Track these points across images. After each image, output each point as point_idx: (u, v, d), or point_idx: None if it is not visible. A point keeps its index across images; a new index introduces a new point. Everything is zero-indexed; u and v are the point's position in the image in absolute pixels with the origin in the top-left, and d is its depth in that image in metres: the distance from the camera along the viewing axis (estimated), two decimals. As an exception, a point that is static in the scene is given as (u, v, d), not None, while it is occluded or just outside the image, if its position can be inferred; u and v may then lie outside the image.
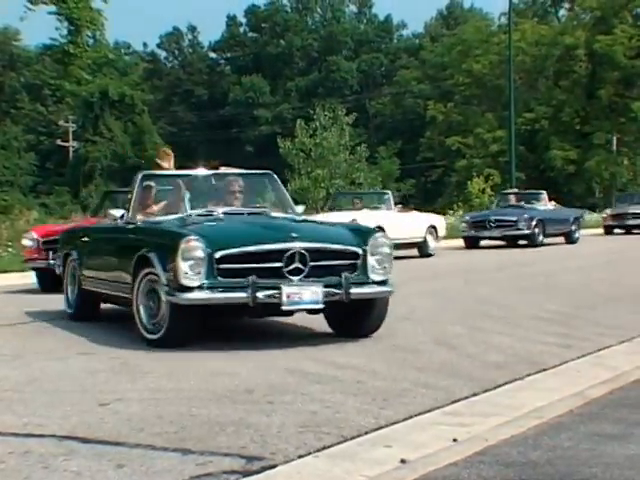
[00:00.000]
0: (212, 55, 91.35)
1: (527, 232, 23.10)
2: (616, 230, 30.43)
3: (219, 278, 6.72)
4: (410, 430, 4.36)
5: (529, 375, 5.70)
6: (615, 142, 56.43)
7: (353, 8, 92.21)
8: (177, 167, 11.67)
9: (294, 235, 6.95)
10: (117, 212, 8.48)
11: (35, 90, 70.16)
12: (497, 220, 23.53)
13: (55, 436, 4.26)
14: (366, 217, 17.18)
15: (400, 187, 61.95)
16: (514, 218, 23.27)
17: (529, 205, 24.84)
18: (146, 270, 7.11)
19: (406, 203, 28.94)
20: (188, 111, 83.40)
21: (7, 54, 75.42)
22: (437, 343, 7.08)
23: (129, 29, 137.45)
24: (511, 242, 23.64)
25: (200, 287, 6.68)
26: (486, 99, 61.73)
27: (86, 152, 59.35)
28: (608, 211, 32.33)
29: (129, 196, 8.53)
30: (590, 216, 35.08)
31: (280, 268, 6.78)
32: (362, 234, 7.37)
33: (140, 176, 8.52)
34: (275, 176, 8.88)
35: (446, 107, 62.37)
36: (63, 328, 8.57)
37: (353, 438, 4.19)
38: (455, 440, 4.14)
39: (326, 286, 6.84)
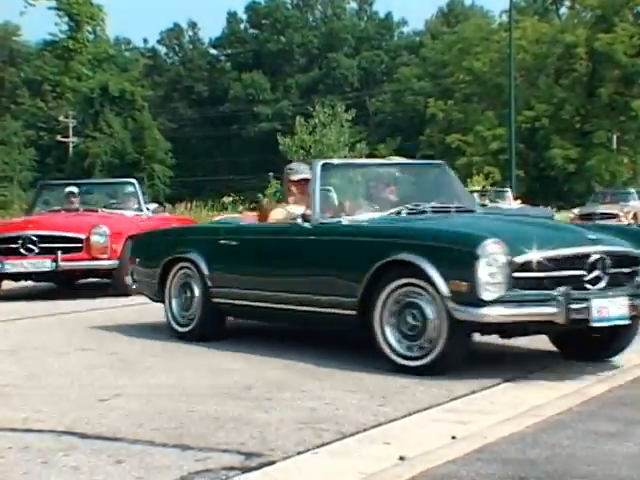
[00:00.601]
0: (212, 51, 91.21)
1: None
2: None
3: (516, 289, 5.49)
4: (409, 427, 4.36)
5: (528, 373, 5.70)
6: (615, 141, 56.42)
7: (354, 5, 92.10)
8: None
9: (593, 237, 5.87)
10: (297, 209, 6.94)
11: (35, 86, 70.09)
12: None
13: (54, 431, 4.27)
14: None
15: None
16: None
17: (492, 204, 22.95)
18: (400, 281, 5.74)
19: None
20: (188, 107, 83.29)
21: (7, 49, 75.38)
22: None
23: (129, 25, 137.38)
24: None
25: (499, 300, 5.40)
26: (486, 97, 61.71)
27: (86, 148, 59.40)
28: (575, 211, 28.56)
29: (310, 191, 6.74)
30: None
31: (581, 277, 5.65)
32: (634, 236, 6.28)
33: (320, 165, 6.79)
34: (448, 167, 7.62)
35: (446, 105, 62.34)
36: (61, 324, 8.56)
37: (352, 435, 4.19)
38: (454, 437, 4.14)
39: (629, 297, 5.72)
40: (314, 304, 6.31)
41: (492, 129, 56.75)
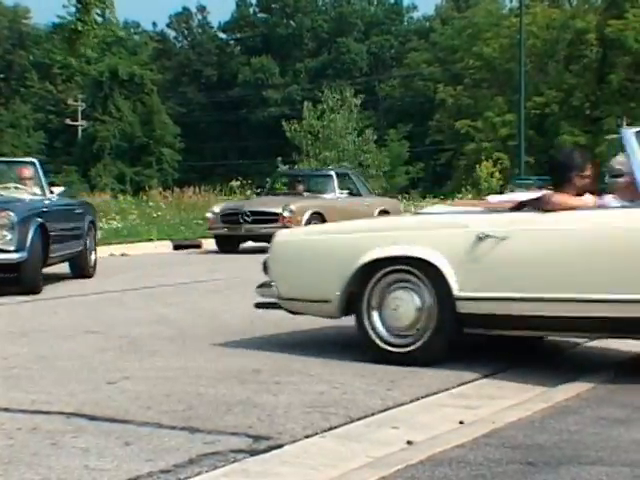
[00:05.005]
0: (221, 35, 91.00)
1: None
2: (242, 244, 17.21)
3: None
4: (417, 412, 4.37)
5: (536, 359, 5.70)
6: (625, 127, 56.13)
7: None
8: None
9: None
10: None
11: (44, 69, 70.04)
12: None
13: (63, 413, 4.28)
14: None
15: (409, 170, 61.83)
16: None
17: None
18: None
19: (415, 186, 28.13)
20: (197, 91, 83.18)
21: (17, 32, 75.34)
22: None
23: (139, 8, 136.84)
24: None
25: None
26: (496, 83, 61.47)
27: (95, 131, 59.43)
28: (216, 209, 17.70)
29: None
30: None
31: None
32: None
33: None
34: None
35: (456, 90, 62.13)
36: (70, 307, 8.59)
37: (360, 419, 4.20)
38: (462, 422, 4.15)
39: None
40: None
41: (501, 115, 56.58)
